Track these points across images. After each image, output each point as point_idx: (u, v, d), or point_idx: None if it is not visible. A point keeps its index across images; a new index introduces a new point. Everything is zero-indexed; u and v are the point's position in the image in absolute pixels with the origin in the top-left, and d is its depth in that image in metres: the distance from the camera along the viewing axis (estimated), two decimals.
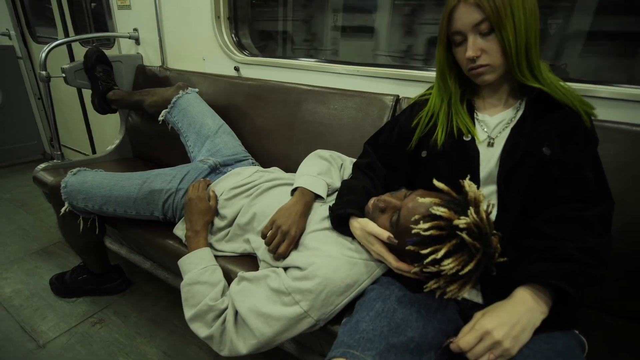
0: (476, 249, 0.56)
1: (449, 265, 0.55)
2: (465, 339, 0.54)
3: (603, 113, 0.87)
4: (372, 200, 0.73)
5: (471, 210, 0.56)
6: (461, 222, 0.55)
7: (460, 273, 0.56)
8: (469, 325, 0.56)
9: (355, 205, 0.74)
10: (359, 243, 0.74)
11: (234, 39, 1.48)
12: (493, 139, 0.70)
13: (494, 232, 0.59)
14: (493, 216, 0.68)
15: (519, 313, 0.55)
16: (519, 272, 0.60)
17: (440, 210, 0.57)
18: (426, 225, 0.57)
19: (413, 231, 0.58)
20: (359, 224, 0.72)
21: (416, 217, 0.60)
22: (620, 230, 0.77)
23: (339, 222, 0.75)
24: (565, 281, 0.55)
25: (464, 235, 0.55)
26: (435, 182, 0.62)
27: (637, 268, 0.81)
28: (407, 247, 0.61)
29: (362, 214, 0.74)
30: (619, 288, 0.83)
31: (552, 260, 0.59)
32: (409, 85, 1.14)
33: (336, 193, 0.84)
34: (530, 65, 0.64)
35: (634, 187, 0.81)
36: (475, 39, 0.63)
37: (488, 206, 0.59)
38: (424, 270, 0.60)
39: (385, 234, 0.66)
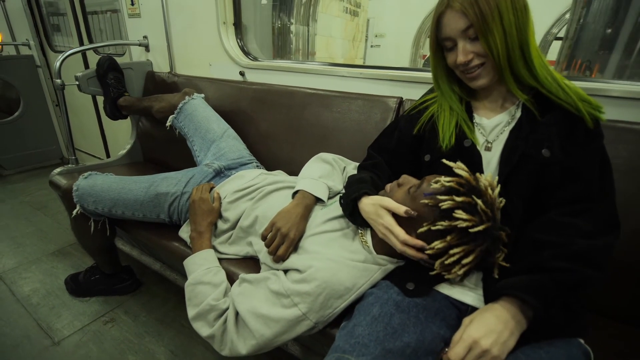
0: (487, 216, 0.58)
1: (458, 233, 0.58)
2: (455, 350, 0.54)
3: (615, 113, 0.84)
4: (389, 185, 0.74)
5: (488, 189, 0.59)
6: (480, 181, 0.60)
7: (467, 245, 0.58)
8: (458, 334, 0.56)
9: (368, 188, 0.72)
10: (360, 245, 0.74)
11: (239, 44, 1.51)
12: (490, 142, 0.69)
13: (502, 226, 0.60)
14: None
15: (504, 318, 0.55)
16: (499, 283, 0.59)
17: (462, 172, 0.61)
18: (449, 179, 0.62)
19: (432, 186, 0.63)
20: (371, 200, 0.69)
21: (438, 179, 0.64)
22: (631, 235, 0.74)
23: (353, 209, 0.73)
24: (530, 293, 0.54)
25: (478, 201, 0.57)
26: (453, 165, 0.63)
27: None
28: (422, 200, 0.63)
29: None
30: (631, 296, 0.80)
31: (526, 271, 0.58)
32: (412, 87, 1.13)
33: (337, 196, 0.84)
34: (528, 65, 0.62)
35: None
36: (465, 44, 0.62)
37: (500, 201, 0.62)
38: (432, 236, 0.61)
39: (402, 208, 0.64)
